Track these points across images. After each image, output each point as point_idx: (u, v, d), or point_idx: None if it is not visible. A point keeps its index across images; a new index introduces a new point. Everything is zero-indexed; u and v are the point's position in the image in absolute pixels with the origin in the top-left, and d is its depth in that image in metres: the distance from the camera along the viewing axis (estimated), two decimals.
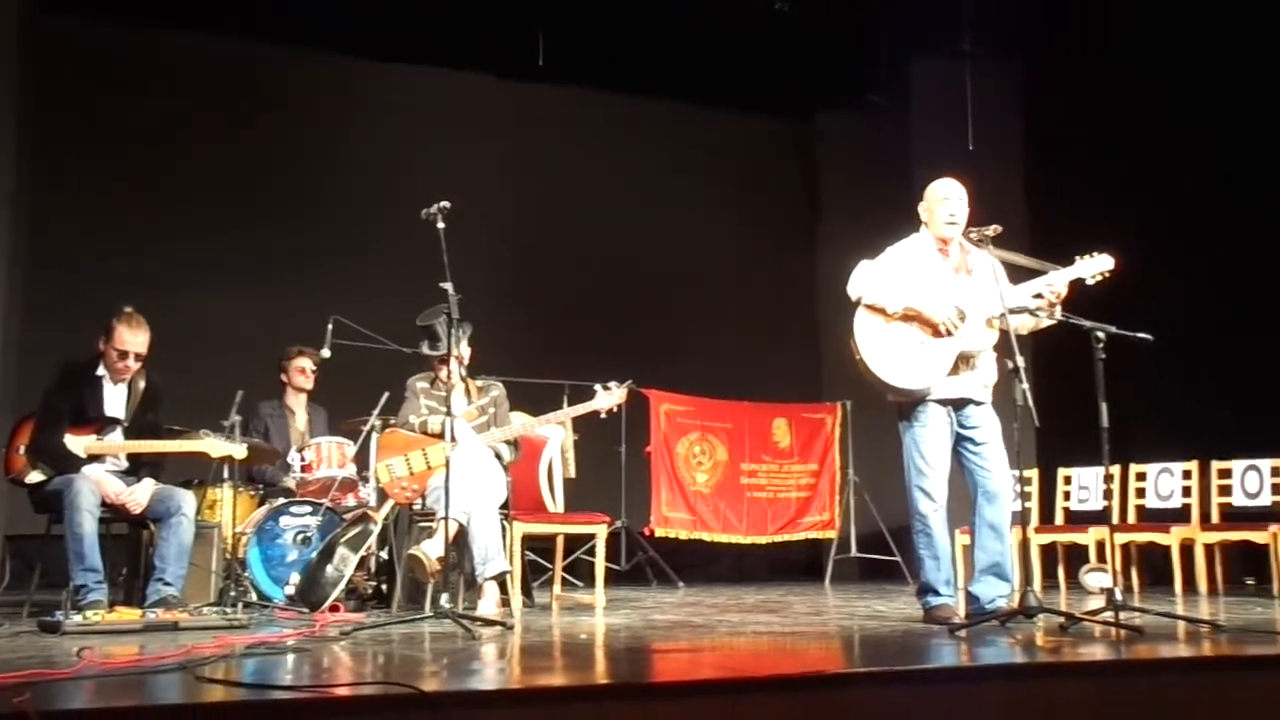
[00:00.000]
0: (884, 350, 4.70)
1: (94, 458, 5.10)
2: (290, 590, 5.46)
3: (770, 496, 8.73)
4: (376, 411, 5.92)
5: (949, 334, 4.67)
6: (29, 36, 7.42)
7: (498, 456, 5.53)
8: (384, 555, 5.68)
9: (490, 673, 3.34)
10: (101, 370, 5.24)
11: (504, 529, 5.35)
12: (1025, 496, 4.56)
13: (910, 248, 4.87)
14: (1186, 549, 6.81)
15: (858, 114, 9.47)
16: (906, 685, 3.08)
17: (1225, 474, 7.00)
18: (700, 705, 2.84)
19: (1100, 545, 6.97)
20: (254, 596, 5.48)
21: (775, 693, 2.94)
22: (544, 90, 8.70)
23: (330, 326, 5.65)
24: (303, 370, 6.63)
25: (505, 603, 5.25)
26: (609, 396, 5.62)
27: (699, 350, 8.93)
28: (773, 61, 8.75)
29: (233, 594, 5.10)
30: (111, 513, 5.12)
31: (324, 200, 8.16)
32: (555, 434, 6.08)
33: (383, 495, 5.63)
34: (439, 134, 8.56)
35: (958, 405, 4.75)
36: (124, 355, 5.17)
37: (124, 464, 5.26)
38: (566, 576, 6.81)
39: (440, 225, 4.60)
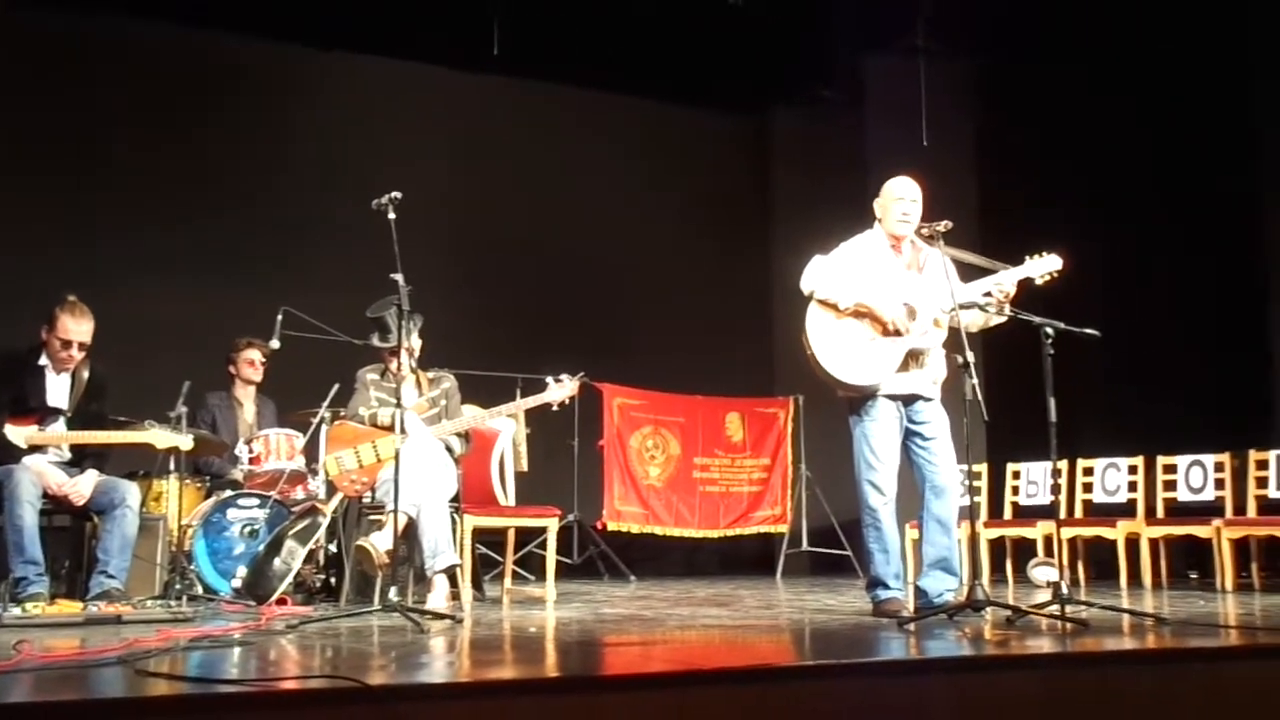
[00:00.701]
0: (835, 345, 4.73)
1: (35, 448, 5.00)
2: (237, 583, 5.39)
3: (722, 491, 8.75)
4: (326, 404, 5.86)
5: (897, 332, 4.70)
6: None
7: (449, 449, 5.50)
8: (333, 548, 5.62)
9: (438, 666, 3.31)
10: (44, 360, 5.15)
11: (454, 522, 5.31)
12: (974, 491, 4.60)
13: (863, 244, 4.89)
14: (1132, 543, 6.91)
15: (812, 110, 9.50)
16: (854, 678, 3.09)
17: (1170, 469, 7.10)
18: (649, 698, 2.83)
19: (1048, 540, 7.05)
20: (200, 590, 5.40)
21: (724, 686, 2.93)
22: (498, 82, 8.64)
23: (280, 318, 5.57)
24: (251, 362, 6.57)
25: (455, 596, 5.22)
26: (561, 389, 5.60)
27: (652, 344, 8.93)
28: (727, 56, 8.75)
29: (178, 587, 5.03)
30: (53, 504, 5.03)
31: (274, 191, 8.05)
32: (507, 427, 6.05)
33: (332, 488, 5.57)
34: (391, 124, 8.47)
35: (907, 401, 4.79)
36: (67, 344, 5.08)
37: (67, 455, 5.17)
38: (518, 570, 6.78)
39: (391, 216, 4.56)
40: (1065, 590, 4.25)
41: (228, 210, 7.86)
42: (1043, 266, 4.80)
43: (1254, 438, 7.03)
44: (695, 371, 8.82)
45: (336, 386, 5.81)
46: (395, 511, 4.60)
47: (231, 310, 7.04)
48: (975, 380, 4.35)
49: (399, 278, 4.59)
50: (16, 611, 4.12)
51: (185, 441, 5.14)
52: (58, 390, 5.17)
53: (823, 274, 4.77)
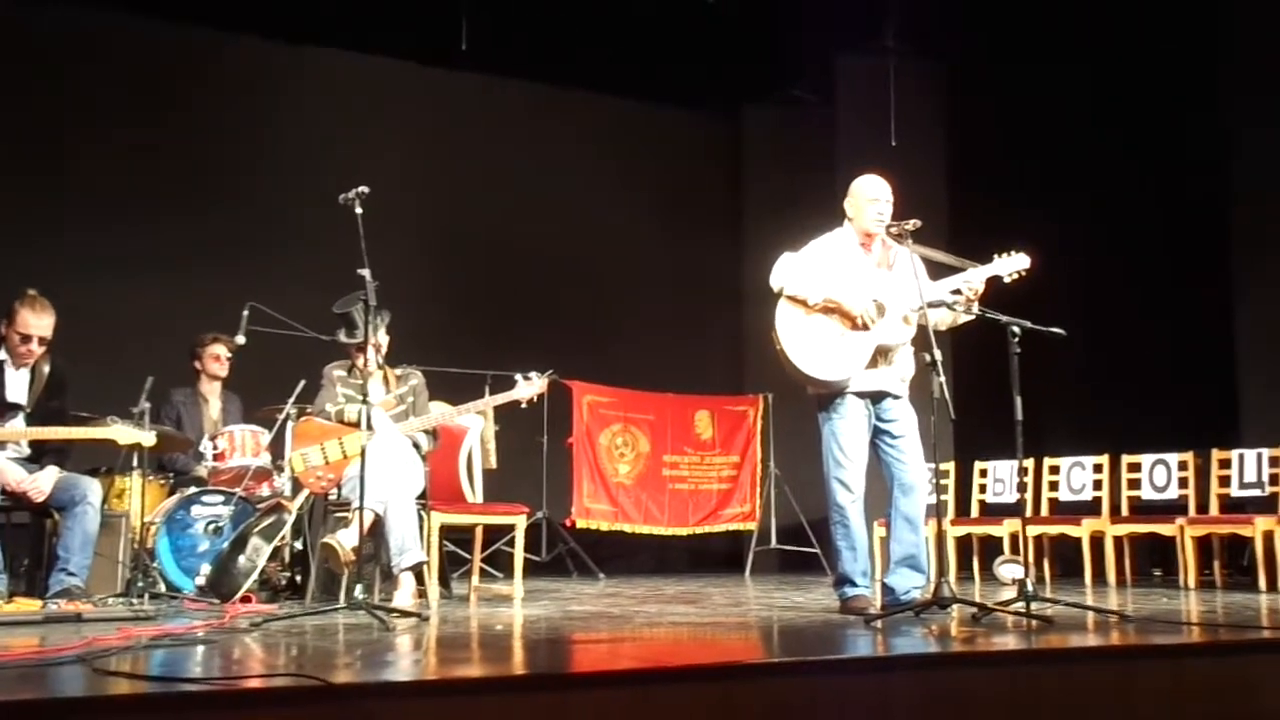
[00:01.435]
0: (804, 342, 4.73)
1: None
2: (201, 581, 5.34)
3: (692, 488, 8.75)
4: (292, 400, 5.81)
5: (866, 327, 4.72)
6: None
7: (416, 446, 5.46)
8: (298, 546, 5.58)
9: (405, 664, 3.29)
10: (3, 355, 5.08)
11: (421, 519, 5.28)
12: (941, 489, 4.62)
13: (833, 242, 4.90)
14: (1097, 541, 6.97)
15: (784, 109, 9.52)
16: (820, 675, 3.09)
17: (1135, 468, 7.17)
18: (616, 695, 2.81)
19: (1014, 537, 7.09)
20: (163, 588, 5.34)
21: (691, 683, 2.93)
22: (467, 78, 8.60)
23: (246, 313, 5.52)
24: (217, 357, 6.51)
25: (422, 594, 5.19)
26: (529, 386, 5.57)
27: (622, 342, 8.92)
28: (700, 55, 8.75)
29: (140, 585, 4.97)
30: (12, 501, 4.96)
31: (241, 185, 7.97)
32: (475, 424, 6.02)
33: (298, 485, 5.52)
34: (359, 119, 8.41)
35: (875, 398, 4.80)
36: (26, 339, 5.01)
37: (26, 451, 5.09)
38: (486, 568, 6.75)
39: (358, 211, 4.52)
40: (1030, 588, 4.27)
41: (193, 204, 7.78)
42: (1011, 265, 4.82)
43: (1217, 437, 7.10)
44: (665, 369, 8.82)
45: (303, 383, 5.76)
46: (361, 509, 4.56)
47: (197, 305, 6.98)
48: (943, 378, 4.37)
49: (366, 273, 4.55)
50: None
51: (148, 437, 5.07)
52: (17, 386, 5.09)
53: (792, 270, 4.78)
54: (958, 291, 4.78)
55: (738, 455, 8.92)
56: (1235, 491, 6.76)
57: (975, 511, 7.71)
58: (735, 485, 8.89)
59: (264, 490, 5.95)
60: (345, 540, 4.89)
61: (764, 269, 4.88)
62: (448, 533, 5.80)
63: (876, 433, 4.81)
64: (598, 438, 8.43)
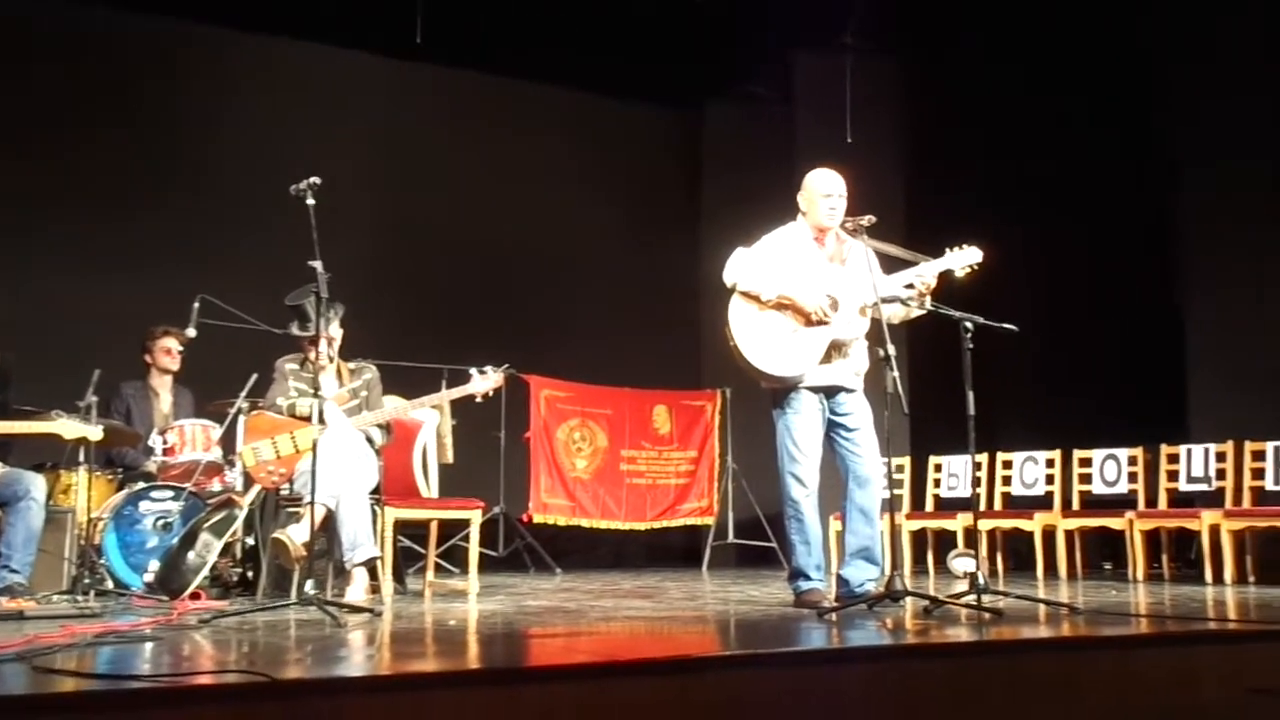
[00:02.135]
0: (758, 337, 4.74)
1: None
2: (149, 578, 5.26)
3: (649, 483, 8.75)
4: (244, 394, 5.75)
5: (820, 322, 4.73)
6: None
7: (369, 441, 5.42)
8: (250, 541, 5.51)
9: (356, 660, 3.26)
10: None
11: (375, 514, 5.24)
12: (896, 484, 4.65)
13: (786, 236, 4.91)
14: (1049, 535, 7.04)
15: (742, 105, 9.52)
16: (774, 668, 3.10)
17: (1086, 463, 7.25)
18: (570, 690, 2.80)
19: (968, 531, 7.15)
20: (110, 585, 5.27)
21: (645, 677, 2.92)
22: (422, 69, 8.52)
23: (197, 305, 5.46)
24: (167, 350, 6.42)
25: (375, 589, 5.15)
26: (485, 381, 5.54)
27: (580, 336, 8.89)
28: (659, 50, 8.73)
29: (87, 582, 4.89)
30: None
31: (192, 176, 7.86)
32: (430, 418, 5.99)
33: (249, 479, 5.46)
34: (313, 111, 8.31)
35: (830, 393, 4.81)
36: None
37: None
38: (442, 563, 6.72)
39: (310, 202, 4.46)
40: (983, 581, 4.31)
41: (144, 196, 7.66)
42: (963, 259, 4.86)
43: (1165, 432, 7.21)
44: (623, 364, 8.80)
45: (255, 376, 5.70)
46: (313, 503, 4.52)
47: (147, 297, 6.87)
48: (897, 373, 4.39)
49: (318, 265, 4.50)
50: None
51: (94, 432, 4.99)
52: None
53: (745, 266, 4.78)
54: (911, 285, 4.80)
55: (695, 450, 8.93)
56: (1183, 486, 6.86)
57: (930, 506, 7.77)
58: (693, 480, 8.89)
59: (215, 485, 5.88)
60: (297, 535, 4.85)
61: (722, 265, 4.88)
62: (403, 528, 5.76)
63: (831, 427, 4.83)
64: (555, 432, 8.40)
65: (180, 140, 7.87)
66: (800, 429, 4.76)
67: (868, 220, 4.65)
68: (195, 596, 5.02)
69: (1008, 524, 7.25)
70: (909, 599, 4.42)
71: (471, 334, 7.83)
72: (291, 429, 5.27)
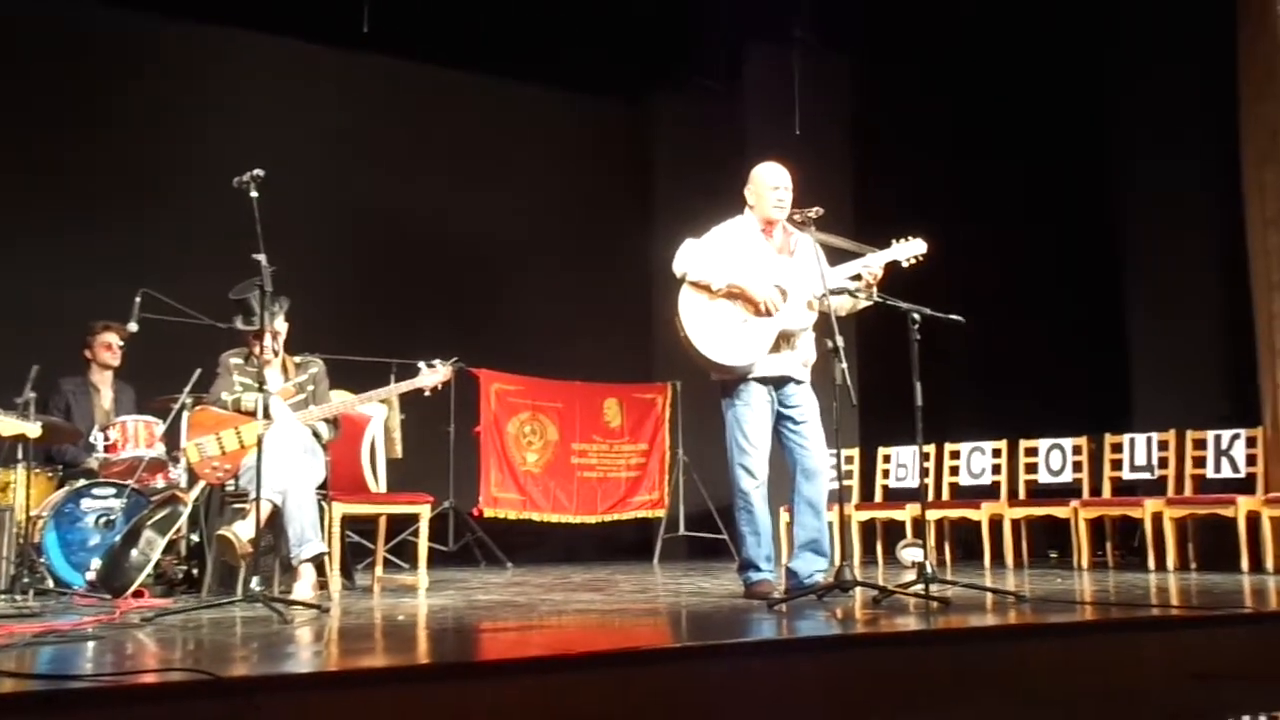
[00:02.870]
0: (707, 327, 4.75)
1: None
2: (91, 576, 5.16)
3: (600, 476, 8.74)
4: (188, 389, 5.65)
5: (769, 313, 4.75)
6: None
7: (316, 435, 5.36)
8: (194, 538, 5.43)
9: (304, 656, 3.23)
10: None
11: (322, 510, 5.18)
12: (846, 475, 4.68)
13: (735, 228, 4.92)
14: (995, 524, 7.12)
15: (692, 97, 9.52)
16: (724, 659, 3.10)
17: (1032, 452, 7.34)
18: (521, 684, 2.79)
19: (916, 521, 7.22)
20: (51, 584, 5.18)
21: (596, 669, 2.91)
22: (369, 59, 8.43)
23: (138, 299, 5.37)
24: (108, 345, 6.32)
25: (323, 585, 5.10)
26: (433, 374, 5.50)
27: (530, 329, 8.85)
28: (608, 41, 8.70)
29: (26, 581, 4.79)
30: None
31: (133, 167, 7.71)
32: (378, 413, 5.93)
33: (193, 476, 5.38)
34: (257, 101, 8.19)
35: (778, 384, 4.83)
36: None
37: None
38: (392, 558, 6.66)
39: (253, 194, 4.40)
40: (930, 570, 4.34)
41: (83, 187, 7.51)
42: (908, 250, 4.91)
43: (1110, 422, 7.32)
44: (573, 357, 8.78)
45: (199, 371, 5.61)
46: (258, 499, 4.46)
47: (87, 292, 6.74)
48: (845, 365, 4.41)
49: (261, 258, 4.43)
50: None
51: (32, 429, 4.89)
52: None
53: (695, 256, 4.79)
54: (857, 277, 4.84)
55: (646, 443, 8.93)
56: (1127, 474, 6.97)
57: (879, 496, 7.83)
58: (644, 473, 8.89)
59: (158, 482, 5.79)
60: (242, 532, 4.78)
61: (672, 256, 4.88)
62: (351, 523, 5.70)
63: (779, 418, 4.85)
64: (505, 426, 8.37)
65: (121, 132, 7.73)
66: (749, 421, 4.77)
67: (815, 212, 4.67)
68: (138, 595, 4.94)
69: (955, 514, 7.33)
70: (858, 589, 4.45)
71: (420, 327, 7.76)
72: (236, 424, 5.20)
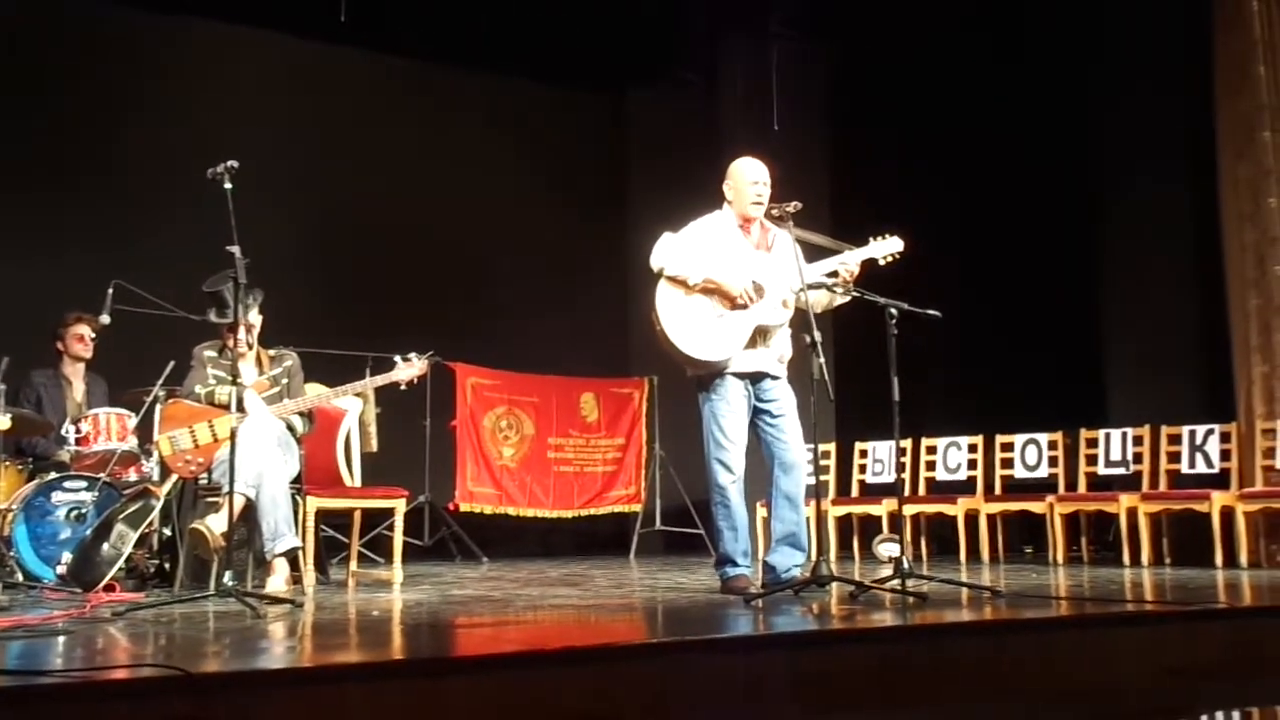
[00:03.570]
0: (684, 322, 4.74)
1: None
2: (62, 570, 5.11)
3: (577, 471, 8.72)
4: (161, 382, 5.60)
5: (746, 307, 4.74)
6: None
7: (290, 429, 5.31)
8: (167, 532, 5.39)
9: (276, 651, 3.20)
10: None
11: (296, 504, 5.15)
12: (823, 470, 4.67)
13: (712, 223, 4.91)
14: (971, 519, 7.15)
15: (669, 90, 9.50)
16: (700, 654, 3.09)
17: (1008, 447, 7.37)
18: (496, 679, 2.77)
19: (892, 516, 7.23)
20: (20, 577, 5.12)
21: (572, 665, 2.90)
22: (345, 51, 8.37)
23: (110, 291, 5.32)
24: (80, 338, 6.26)
25: (297, 580, 5.06)
26: (408, 368, 5.47)
27: (507, 323, 8.81)
28: (585, 34, 8.67)
29: None
30: None
31: (106, 158, 7.63)
32: (354, 406, 5.89)
33: (166, 469, 5.33)
34: (232, 92, 8.11)
35: (755, 379, 4.83)
36: None
37: None
38: (367, 553, 6.63)
39: (227, 186, 4.36)
40: (907, 565, 4.34)
41: (56, 178, 7.43)
42: (885, 248, 4.92)
43: (1085, 417, 7.35)
44: (550, 351, 8.75)
45: (172, 364, 5.56)
46: (231, 493, 4.42)
47: (59, 283, 6.67)
48: (822, 360, 4.41)
49: (236, 250, 4.39)
50: None
51: (2, 421, 4.85)
52: None
53: (672, 251, 4.78)
54: (834, 274, 4.84)
55: (623, 437, 8.92)
56: (1102, 470, 7.01)
57: (855, 491, 7.84)
58: (620, 467, 8.88)
59: (130, 475, 5.74)
60: (215, 526, 4.74)
61: (649, 251, 4.86)
62: (326, 517, 5.67)
63: (756, 413, 4.84)
64: (482, 420, 8.33)
65: (94, 122, 7.64)
66: (726, 415, 4.77)
67: (793, 207, 4.67)
68: (110, 589, 4.89)
69: (931, 509, 7.35)
70: (834, 584, 4.45)
71: (396, 321, 7.72)
72: (210, 417, 5.15)
